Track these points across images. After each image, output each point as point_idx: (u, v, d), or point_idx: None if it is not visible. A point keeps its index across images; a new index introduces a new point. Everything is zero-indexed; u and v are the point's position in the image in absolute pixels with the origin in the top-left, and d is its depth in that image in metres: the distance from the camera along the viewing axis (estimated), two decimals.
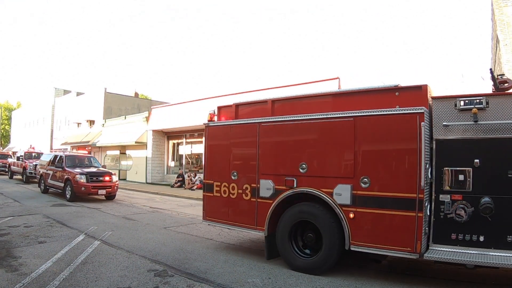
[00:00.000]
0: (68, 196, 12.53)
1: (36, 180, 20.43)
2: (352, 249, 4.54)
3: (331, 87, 14.56)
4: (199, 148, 21.59)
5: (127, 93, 35.20)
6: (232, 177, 5.78)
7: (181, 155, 22.79)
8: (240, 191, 5.67)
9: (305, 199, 5.05)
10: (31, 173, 19.61)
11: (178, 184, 19.40)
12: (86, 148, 29.43)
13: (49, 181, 14.28)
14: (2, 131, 54.57)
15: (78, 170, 12.89)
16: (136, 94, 36.47)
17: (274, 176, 5.30)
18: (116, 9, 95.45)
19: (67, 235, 6.93)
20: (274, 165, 5.38)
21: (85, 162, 14.63)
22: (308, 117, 5.09)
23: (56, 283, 4.23)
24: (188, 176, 19.53)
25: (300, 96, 5.84)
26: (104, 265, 5.05)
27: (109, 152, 26.82)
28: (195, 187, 18.43)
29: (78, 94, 34.18)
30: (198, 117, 19.15)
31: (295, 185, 5.05)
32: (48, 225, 7.89)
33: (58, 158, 14.14)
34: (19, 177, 21.74)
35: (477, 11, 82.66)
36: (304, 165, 4.99)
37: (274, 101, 5.89)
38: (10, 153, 33.14)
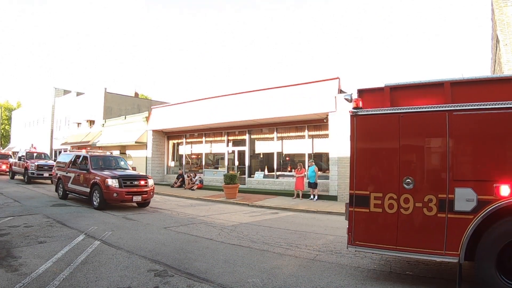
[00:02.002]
0: (95, 203, 10.81)
1: (38, 181, 20.50)
2: None
3: (331, 87, 14.57)
4: (199, 148, 21.62)
5: (127, 93, 35.20)
6: (405, 186, 4.40)
7: (181, 155, 22.81)
8: (418, 204, 4.31)
9: None
10: (33, 173, 19.32)
11: (178, 184, 19.40)
12: (86, 148, 29.41)
13: (70, 185, 12.53)
14: (2, 131, 54.56)
15: (107, 172, 11.17)
16: (136, 94, 36.45)
17: (475, 183, 4.05)
18: (116, 9, 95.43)
19: (67, 235, 6.93)
20: (475, 167, 4.15)
21: (112, 163, 12.78)
22: None
23: (56, 283, 4.23)
24: (188, 176, 19.54)
25: (503, 77, 4.63)
26: (104, 265, 5.05)
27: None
28: (195, 187, 18.44)
29: (78, 94, 34.18)
30: (198, 117, 19.22)
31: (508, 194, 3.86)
32: (48, 225, 7.89)
33: (81, 159, 12.40)
34: (21, 177, 21.50)
35: (477, 11, 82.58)
36: None
37: (454, 83, 4.50)
38: (10, 153, 33.12)
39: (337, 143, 14.29)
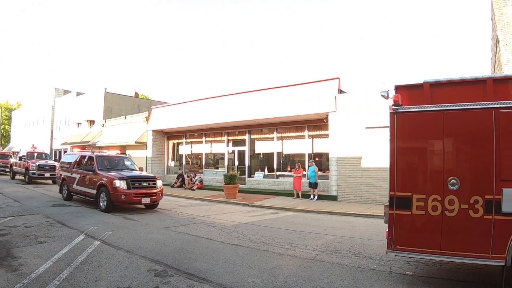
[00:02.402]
0: (102, 205, 10.41)
1: (39, 181, 20.34)
2: None
3: (331, 87, 14.58)
4: (199, 148, 21.62)
5: (127, 93, 35.19)
6: (449, 187, 4.23)
7: (181, 155, 22.81)
8: (463, 205, 4.16)
9: None
10: (34, 173, 19.20)
11: (178, 184, 19.40)
12: (86, 148, 29.42)
13: (75, 186, 12.14)
14: (2, 131, 54.58)
15: (114, 173, 10.78)
16: (136, 94, 36.45)
17: None
18: (116, 9, 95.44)
19: (67, 235, 6.93)
20: None
21: (119, 163, 12.30)
22: None
23: (56, 283, 4.23)
24: (188, 176, 19.54)
25: None
26: (104, 265, 5.05)
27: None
28: (195, 187, 18.44)
29: (78, 94, 34.18)
30: (198, 117, 19.22)
31: None
32: (48, 225, 7.89)
33: (86, 159, 12.00)
34: (21, 177, 21.35)
35: (477, 11, 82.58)
36: None
37: (496, 80, 4.39)
38: (10, 153, 33.10)
39: (337, 143, 14.29)
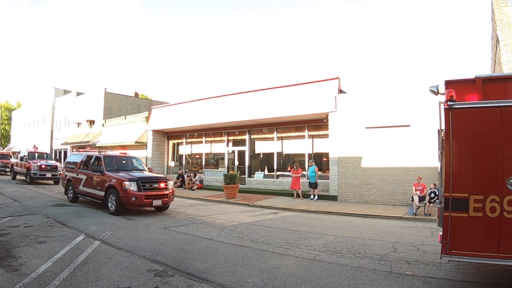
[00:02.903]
0: (112, 208, 9.91)
1: (41, 181, 20.17)
2: None
3: (331, 87, 14.58)
4: (199, 148, 21.62)
5: (127, 93, 35.20)
6: (509, 187, 4.04)
7: (181, 155, 22.81)
8: None
9: None
10: (35, 173, 19.02)
11: (178, 184, 19.40)
12: (86, 148, 29.43)
13: (81, 188, 11.67)
14: (2, 131, 54.59)
15: (123, 174, 10.30)
16: (136, 94, 36.46)
17: None
18: (116, 9, 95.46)
19: (67, 235, 6.93)
20: None
21: (128, 164, 11.84)
22: None
23: (56, 283, 4.23)
24: (188, 176, 19.54)
25: None
26: (104, 265, 5.05)
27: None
28: (195, 187, 18.44)
29: (78, 94, 34.19)
30: (198, 117, 19.22)
31: None
32: (48, 225, 7.89)
33: (93, 159, 11.53)
34: (23, 177, 21.13)
35: (477, 11, 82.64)
36: None
37: None
38: (11, 153, 33.09)
39: (337, 143, 14.29)
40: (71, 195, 12.33)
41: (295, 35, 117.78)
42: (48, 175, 19.47)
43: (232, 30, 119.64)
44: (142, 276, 4.61)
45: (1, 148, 47.20)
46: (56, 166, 20.19)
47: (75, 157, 13.19)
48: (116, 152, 13.25)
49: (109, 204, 10.05)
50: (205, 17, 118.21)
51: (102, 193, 10.41)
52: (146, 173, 11.25)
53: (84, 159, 12.14)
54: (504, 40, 11.76)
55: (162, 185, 10.34)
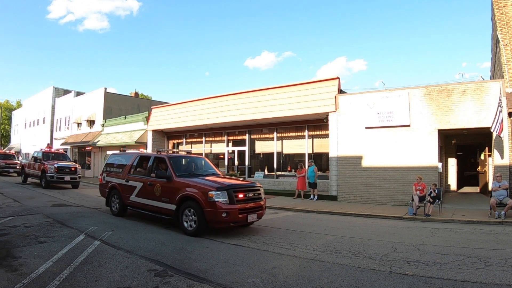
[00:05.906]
0: (190, 227, 7.38)
1: (57, 185, 17.76)
2: None
3: (331, 87, 14.59)
4: (199, 148, 21.62)
5: (127, 93, 35.28)
6: None
7: None
8: None
9: None
10: (52, 176, 16.90)
11: None
12: (86, 148, 29.49)
13: (134, 198, 9.03)
14: (2, 131, 54.60)
15: (201, 180, 7.83)
16: (136, 94, 36.48)
17: None
18: (116, 9, 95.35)
19: (67, 235, 6.93)
20: None
21: (198, 166, 9.45)
22: None
23: (56, 283, 4.23)
24: None
25: None
26: (104, 265, 5.05)
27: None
28: None
29: (78, 94, 34.20)
30: (198, 117, 19.22)
31: None
32: (48, 225, 7.89)
33: (152, 161, 8.96)
34: (36, 180, 18.79)
35: (477, 11, 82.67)
36: None
37: None
38: (15, 153, 33.02)
39: (337, 143, 14.30)
40: (117, 207, 9.71)
41: (295, 35, 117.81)
42: (67, 178, 17.46)
43: (232, 30, 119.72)
44: (142, 276, 4.61)
45: (2, 148, 47.23)
46: (76, 168, 18.32)
47: (120, 158, 10.44)
48: (183, 152, 10.75)
49: (185, 221, 7.52)
50: (205, 17, 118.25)
51: (173, 207, 7.80)
52: (233, 180, 8.61)
53: (136, 162, 9.58)
54: (504, 40, 11.77)
55: (256, 194, 7.98)
